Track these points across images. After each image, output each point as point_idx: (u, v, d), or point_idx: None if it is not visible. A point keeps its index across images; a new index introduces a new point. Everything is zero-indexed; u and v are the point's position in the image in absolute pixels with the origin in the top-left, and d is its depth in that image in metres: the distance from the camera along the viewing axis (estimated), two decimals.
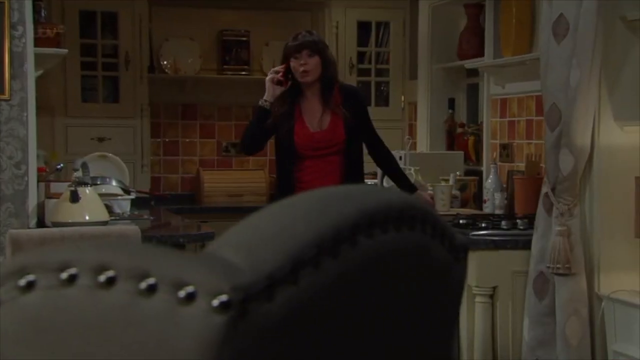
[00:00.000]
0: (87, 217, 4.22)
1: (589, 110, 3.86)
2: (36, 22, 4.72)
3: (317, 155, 4.46)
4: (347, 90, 4.60)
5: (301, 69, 4.37)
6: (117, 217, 5.09)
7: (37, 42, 4.51)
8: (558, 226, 3.92)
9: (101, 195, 5.29)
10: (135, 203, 5.54)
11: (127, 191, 5.44)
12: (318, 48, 4.41)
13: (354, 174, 4.53)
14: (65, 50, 4.61)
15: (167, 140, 6.59)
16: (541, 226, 4.05)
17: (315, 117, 4.47)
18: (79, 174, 4.33)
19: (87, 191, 4.29)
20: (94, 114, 6.13)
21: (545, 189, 4.03)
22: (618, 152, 3.91)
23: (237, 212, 6.00)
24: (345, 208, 0.95)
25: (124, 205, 5.33)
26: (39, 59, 4.48)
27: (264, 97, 4.47)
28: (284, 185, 4.54)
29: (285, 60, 4.45)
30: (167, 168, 6.60)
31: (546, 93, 4.00)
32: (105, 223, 4.28)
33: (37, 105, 5.94)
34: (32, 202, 4.33)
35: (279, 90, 4.44)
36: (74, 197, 4.17)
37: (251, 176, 6.51)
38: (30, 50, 4.29)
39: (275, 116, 4.43)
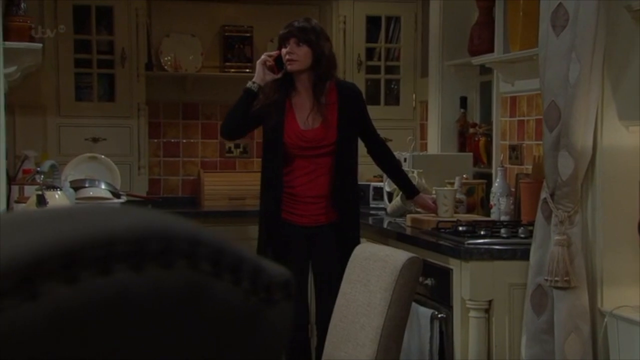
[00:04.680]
0: None
1: (590, 109, 3.51)
2: (14, 15, 4.50)
3: (307, 155, 4.20)
4: (343, 88, 4.35)
5: (287, 57, 4.17)
6: None
7: (9, 35, 4.28)
8: (557, 235, 3.58)
9: (88, 198, 5.06)
10: None
11: (116, 194, 5.21)
12: (307, 38, 4.17)
13: (346, 178, 4.27)
14: (39, 45, 4.35)
15: (166, 140, 6.32)
16: (539, 235, 3.71)
17: (305, 113, 4.21)
18: (47, 176, 4.07)
19: (57, 196, 4.03)
20: (88, 113, 5.87)
21: (544, 194, 3.69)
22: (623, 154, 3.55)
23: (237, 216, 5.74)
24: (17, 245, 0.65)
25: None
26: (11, 54, 4.24)
27: (253, 79, 4.27)
28: (271, 187, 4.27)
29: (280, 47, 4.27)
30: (167, 170, 6.33)
31: (545, 90, 3.66)
32: None
33: (28, 104, 5.75)
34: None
35: (269, 76, 4.23)
36: (41, 202, 3.91)
37: (254, 178, 6.19)
38: None
39: (264, 105, 4.19)
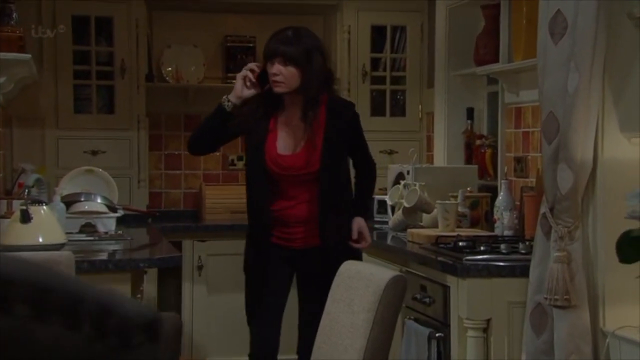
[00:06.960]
0: (40, 240, 3.83)
1: (590, 120, 3.36)
2: (4, 25, 4.41)
3: (288, 180, 3.83)
4: (334, 106, 3.87)
5: (272, 78, 3.77)
6: (97, 238, 4.74)
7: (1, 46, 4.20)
8: (556, 251, 3.43)
9: (83, 213, 4.95)
10: (125, 221, 5.18)
11: (113, 209, 5.09)
12: (294, 58, 3.72)
13: (332, 205, 3.84)
14: (28, 56, 4.25)
15: (168, 153, 6.22)
16: (539, 251, 3.56)
17: (290, 134, 3.83)
18: (33, 190, 3.95)
19: (42, 211, 3.90)
20: (88, 126, 5.76)
21: (543, 209, 3.55)
22: (624, 167, 3.39)
23: (239, 229, 5.59)
24: None
25: (108, 223, 4.98)
26: (0, 65, 4.16)
27: (229, 96, 3.86)
28: (255, 209, 3.95)
29: (265, 62, 3.83)
30: (168, 183, 6.23)
31: (543, 100, 3.52)
32: (61, 246, 3.88)
33: (26, 116, 5.66)
34: None
35: (248, 92, 3.83)
36: (25, 217, 3.79)
37: None
38: None
39: (247, 120, 3.82)
